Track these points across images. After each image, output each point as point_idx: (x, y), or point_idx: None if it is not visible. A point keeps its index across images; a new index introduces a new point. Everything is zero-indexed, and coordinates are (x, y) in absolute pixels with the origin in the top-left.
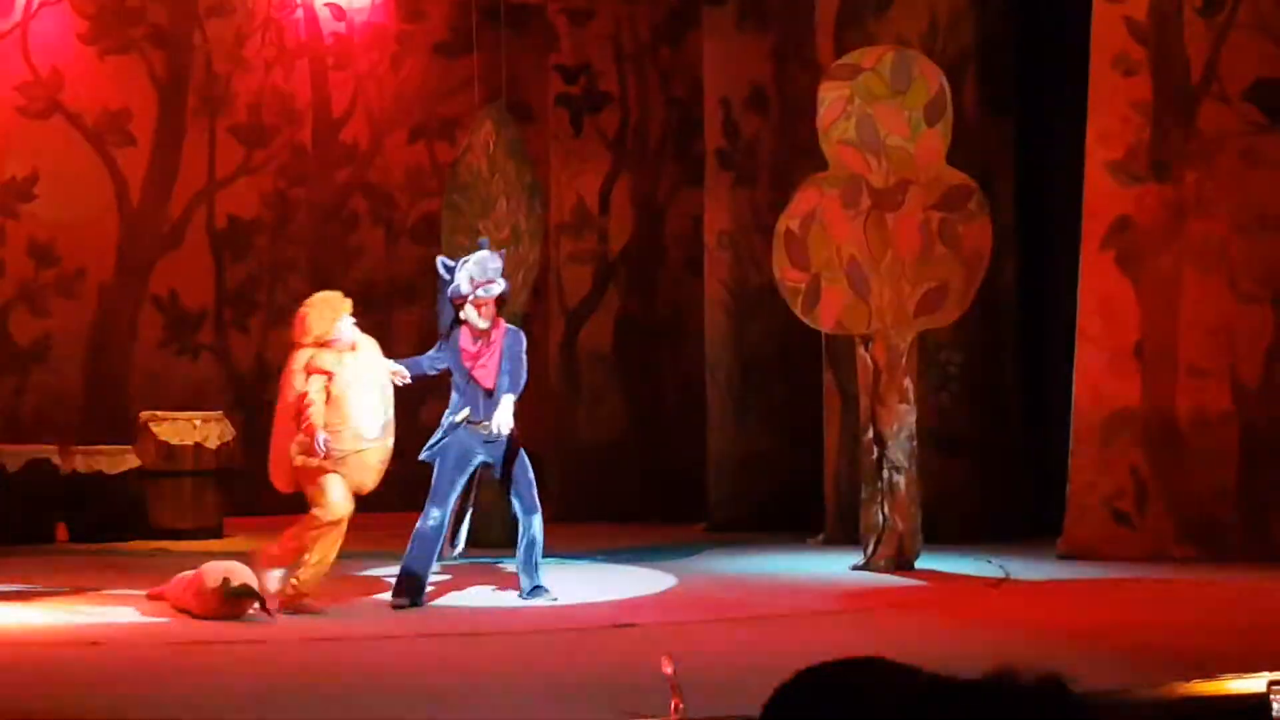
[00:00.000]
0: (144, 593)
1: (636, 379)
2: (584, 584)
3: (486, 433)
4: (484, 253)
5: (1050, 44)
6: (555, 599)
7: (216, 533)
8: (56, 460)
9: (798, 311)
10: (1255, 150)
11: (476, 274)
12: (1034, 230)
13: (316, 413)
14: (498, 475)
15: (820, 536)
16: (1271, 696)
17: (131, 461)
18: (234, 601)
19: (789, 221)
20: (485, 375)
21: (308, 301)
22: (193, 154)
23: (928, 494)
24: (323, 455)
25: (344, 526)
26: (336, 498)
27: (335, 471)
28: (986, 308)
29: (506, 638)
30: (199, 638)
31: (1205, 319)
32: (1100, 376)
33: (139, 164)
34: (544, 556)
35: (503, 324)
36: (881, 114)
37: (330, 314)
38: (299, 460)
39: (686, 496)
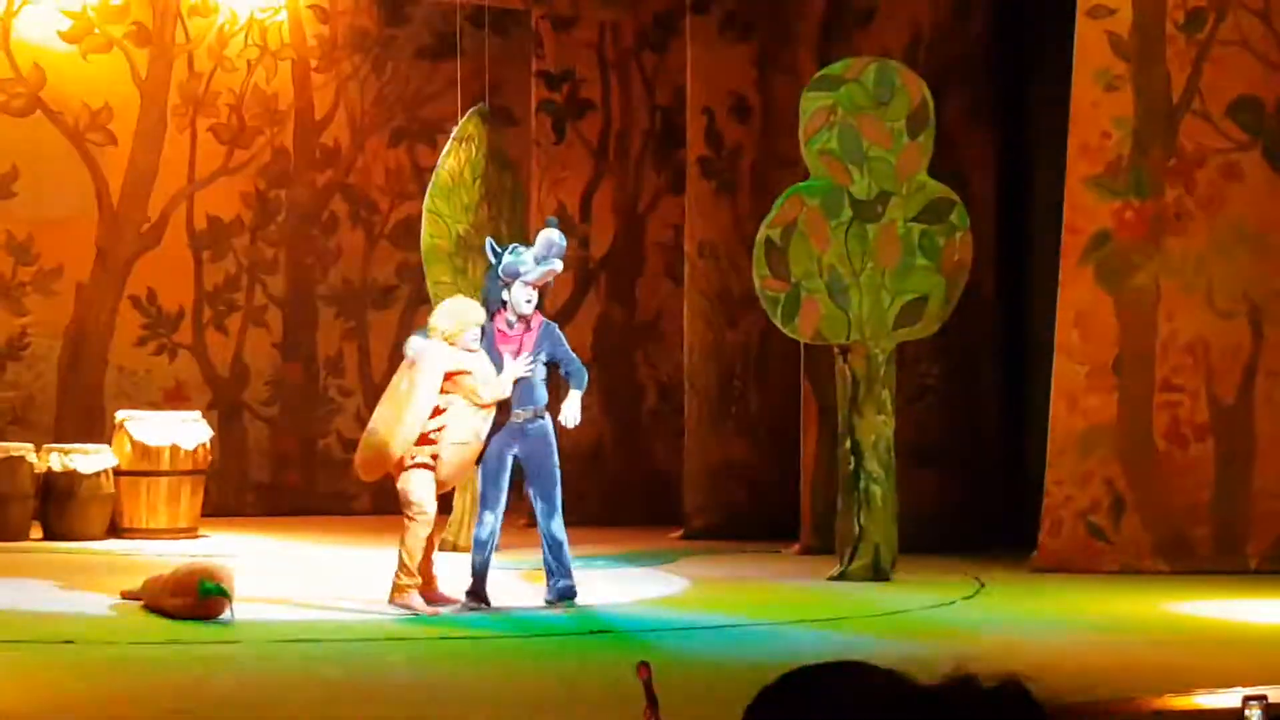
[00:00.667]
0: (118, 592)
1: (615, 385)
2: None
3: (519, 421)
4: (551, 231)
5: (1032, 58)
6: (573, 603)
7: (192, 533)
8: (31, 458)
9: (777, 321)
10: (1235, 167)
11: (541, 251)
12: (1014, 244)
13: (485, 388)
14: (525, 471)
15: (796, 546)
16: (1246, 712)
17: (107, 460)
18: (209, 602)
19: (770, 231)
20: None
21: (449, 302)
22: (173, 153)
23: (904, 505)
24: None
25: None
26: (428, 505)
27: (433, 467)
28: (965, 320)
29: (479, 641)
30: (173, 637)
31: (1182, 334)
32: (1078, 390)
33: (119, 162)
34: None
35: (539, 315)
36: (864, 125)
37: (474, 319)
38: (412, 449)
39: (663, 503)
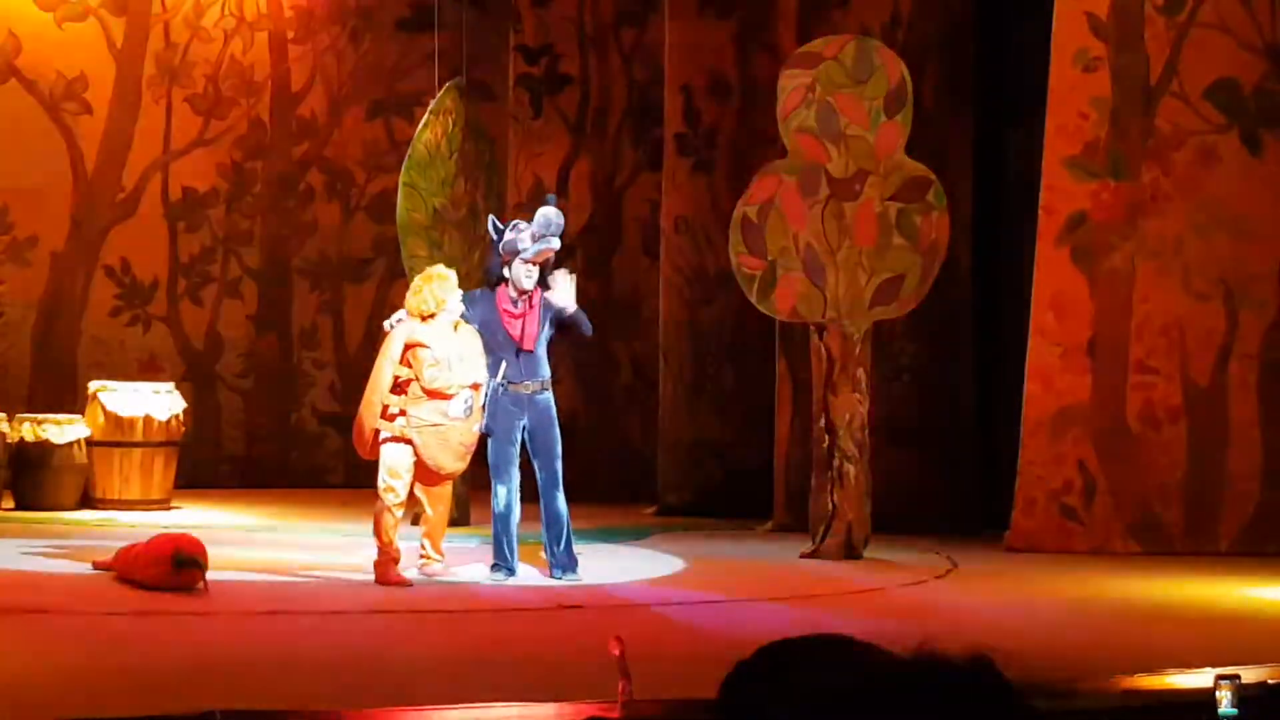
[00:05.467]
0: (91, 562)
1: (590, 361)
2: (532, 564)
3: (528, 392)
4: (549, 209)
5: (1011, 38)
6: (576, 577)
7: (165, 505)
8: (4, 428)
9: (753, 298)
10: (1212, 149)
11: (539, 229)
12: (990, 223)
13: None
14: (530, 443)
15: (769, 523)
16: (1218, 692)
17: (80, 431)
18: (182, 573)
19: (746, 208)
20: (526, 336)
21: (424, 274)
22: (148, 123)
23: (877, 484)
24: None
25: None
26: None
27: (409, 442)
28: (941, 300)
29: (452, 616)
30: (146, 608)
31: (1158, 317)
32: (1052, 371)
33: (94, 132)
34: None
35: (539, 289)
36: (842, 103)
37: (445, 289)
38: (379, 424)
39: (637, 479)
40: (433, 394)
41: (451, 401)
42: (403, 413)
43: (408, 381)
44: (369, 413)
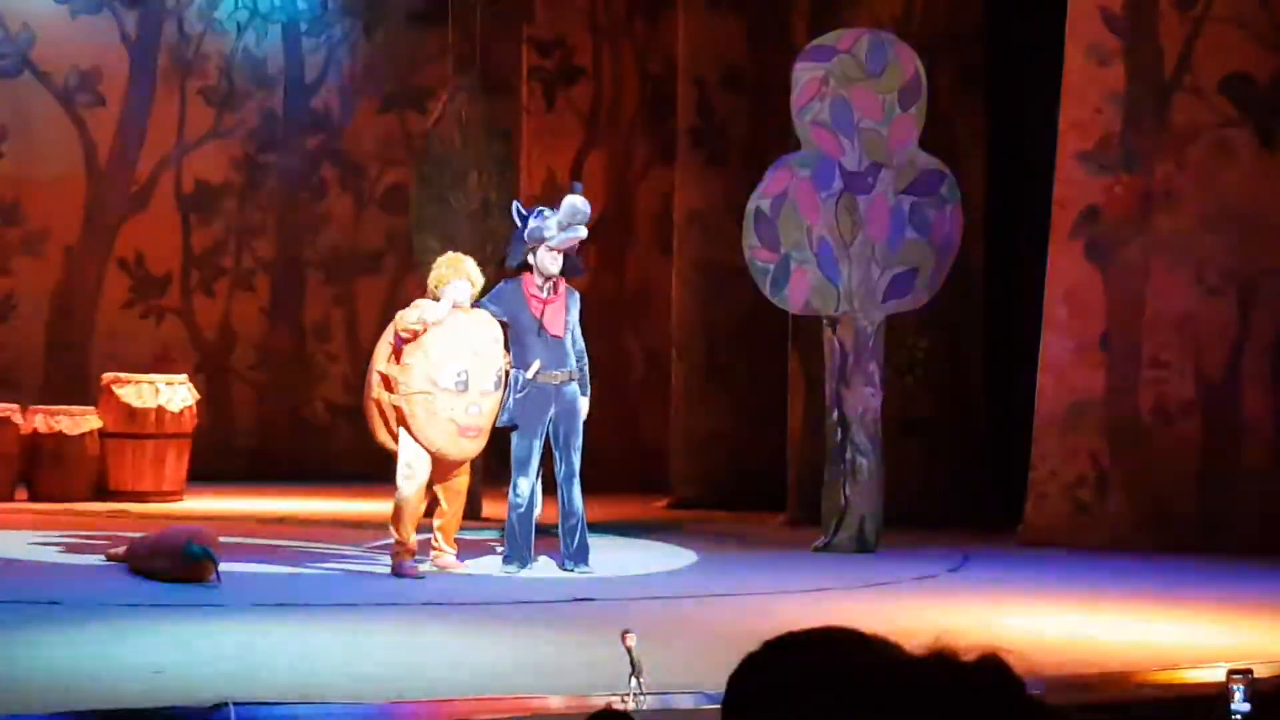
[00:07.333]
0: (104, 554)
1: (603, 355)
2: (543, 556)
3: (557, 382)
4: (576, 197)
5: (1024, 32)
6: (591, 570)
7: (177, 496)
8: (17, 419)
9: (766, 292)
10: (1226, 144)
11: (565, 218)
12: (1003, 218)
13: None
14: (553, 433)
15: (781, 517)
16: (1231, 687)
17: (93, 423)
18: (195, 565)
19: (760, 201)
20: (554, 323)
21: (449, 255)
22: (162, 116)
23: (890, 477)
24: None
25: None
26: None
27: (405, 414)
28: (954, 293)
29: (464, 608)
30: (159, 600)
31: (1171, 311)
32: (1065, 365)
33: (108, 124)
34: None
35: (564, 281)
36: (856, 96)
37: (448, 271)
38: (377, 393)
39: (650, 472)
40: (413, 335)
41: (439, 304)
42: (396, 389)
43: (401, 352)
44: (369, 382)
